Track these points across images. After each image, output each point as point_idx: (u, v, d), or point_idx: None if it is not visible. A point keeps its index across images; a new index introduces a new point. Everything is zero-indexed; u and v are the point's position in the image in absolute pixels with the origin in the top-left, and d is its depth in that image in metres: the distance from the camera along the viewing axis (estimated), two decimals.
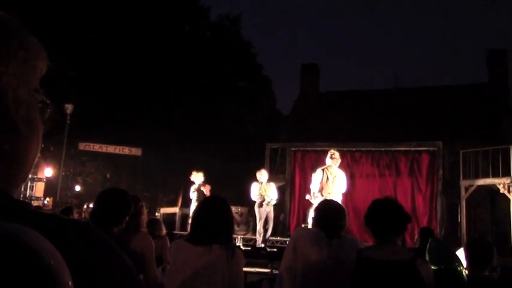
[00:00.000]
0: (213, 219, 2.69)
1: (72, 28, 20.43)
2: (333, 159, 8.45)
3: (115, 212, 2.80)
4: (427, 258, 4.39)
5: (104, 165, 22.68)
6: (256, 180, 9.89)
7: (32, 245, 0.47)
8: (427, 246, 4.64)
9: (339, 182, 8.41)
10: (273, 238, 10.44)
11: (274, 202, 9.76)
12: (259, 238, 10.06)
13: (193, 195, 10.32)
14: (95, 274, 0.57)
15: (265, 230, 9.90)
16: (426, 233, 5.64)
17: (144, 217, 3.59)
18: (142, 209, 3.54)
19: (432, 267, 3.66)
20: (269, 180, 9.99)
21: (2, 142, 0.61)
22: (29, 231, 0.49)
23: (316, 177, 8.54)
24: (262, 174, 9.83)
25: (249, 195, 9.98)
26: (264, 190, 9.67)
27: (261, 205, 9.69)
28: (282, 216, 12.92)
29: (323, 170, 8.45)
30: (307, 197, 8.92)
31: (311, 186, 8.74)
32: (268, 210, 9.69)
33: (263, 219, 9.77)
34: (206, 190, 10.29)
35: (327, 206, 3.30)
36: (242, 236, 11.61)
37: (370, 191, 11.66)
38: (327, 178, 8.38)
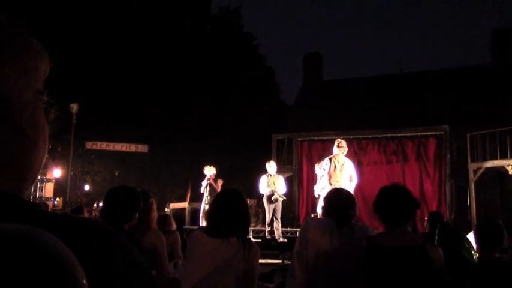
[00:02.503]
0: (230, 212, 2.70)
1: (75, 26, 20.43)
2: (339, 148, 8.42)
3: (125, 209, 2.80)
4: (436, 240, 4.50)
5: (111, 163, 22.66)
6: (264, 172, 9.84)
7: (47, 247, 0.47)
8: (437, 231, 4.70)
9: (346, 170, 8.38)
10: (283, 229, 10.47)
11: (282, 199, 9.70)
12: (268, 229, 10.09)
13: (205, 189, 10.32)
14: (109, 272, 0.57)
15: (275, 222, 9.88)
16: (436, 217, 5.59)
17: (155, 214, 3.59)
18: (153, 206, 3.54)
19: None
20: (277, 171, 9.95)
21: (10, 145, 0.61)
22: (43, 233, 0.49)
23: (320, 171, 8.53)
24: (271, 166, 9.78)
25: (257, 188, 9.96)
26: (272, 183, 9.62)
27: (269, 199, 9.65)
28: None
29: (330, 159, 8.44)
30: (315, 192, 8.94)
31: (315, 187, 8.75)
32: (276, 204, 9.68)
33: (271, 213, 9.79)
34: (218, 184, 10.28)
35: (336, 195, 3.27)
36: (252, 228, 11.56)
37: (378, 178, 11.62)
38: (335, 167, 8.35)
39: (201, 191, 10.55)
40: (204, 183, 10.39)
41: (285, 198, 9.80)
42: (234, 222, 2.68)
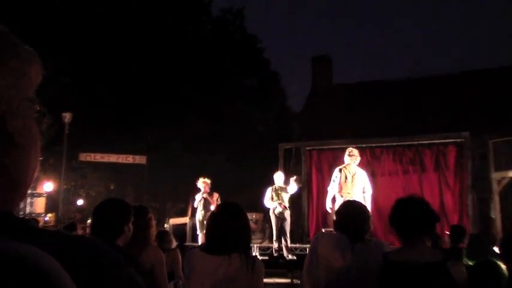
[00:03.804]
0: (230, 227, 2.69)
1: (68, 30, 20.49)
2: (351, 157, 8.39)
3: (114, 222, 2.83)
4: (464, 254, 4.53)
5: (107, 176, 22.46)
6: (271, 184, 9.80)
7: (41, 267, 0.48)
8: (467, 242, 4.67)
9: (359, 181, 8.34)
10: (292, 245, 10.39)
11: (282, 209, 9.64)
12: (276, 246, 10.00)
13: (199, 203, 10.28)
14: None
15: (283, 238, 9.81)
16: (458, 231, 5.57)
17: (153, 230, 3.62)
18: (151, 221, 3.56)
19: (470, 262, 3.86)
20: (285, 182, 9.92)
21: (0, 155, 0.61)
22: (37, 252, 0.50)
23: (330, 186, 8.47)
24: (280, 176, 9.78)
25: (263, 200, 9.93)
26: (277, 195, 9.60)
27: (276, 211, 9.61)
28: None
29: (341, 169, 8.40)
30: (327, 205, 8.86)
31: (326, 201, 8.71)
32: (284, 216, 9.60)
33: (278, 228, 9.73)
34: (214, 198, 10.20)
35: (349, 208, 3.27)
36: (258, 245, 11.53)
37: (393, 190, 11.48)
38: (346, 177, 8.32)
39: (195, 206, 10.51)
40: (198, 197, 10.36)
41: (287, 207, 9.64)
42: (234, 237, 2.67)
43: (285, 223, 9.63)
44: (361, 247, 3.00)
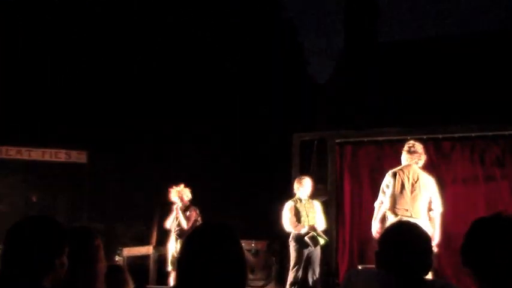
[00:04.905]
0: (212, 261, 2.30)
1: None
2: (412, 155, 7.61)
3: (37, 255, 2.53)
4: None
5: (26, 181, 18.81)
6: (290, 196, 8.92)
7: None
8: None
9: (425, 192, 7.49)
10: None
11: (324, 241, 8.85)
12: None
13: (172, 224, 9.65)
14: None
15: (311, 280, 8.77)
16: None
17: (102, 266, 3.15)
18: (99, 252, 3.12)
19: None
20: (312, 196, 9.07)
21: None
22: None
23: (379, 200, 7.81)
24: (304, 185, 8.80)
25: (280, 221, 8.91)
26: (306, 215, 8.66)
27: (302, 241, 8.51)
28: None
29: (396, 173, 7.53)
30: (374, 230, 7.89)
31: (373, 223, 7.83)
32: (313, 250, 8.62)
33: (302, 264, 8.59)
34: (192, 216, 9.58)
35: (399, 233, 2.90)
36: None
37: (470, 204, 10.13)
38: (402, 186, 7.47)
39: (167, 227, 9.89)
40: (173, 214, 9.78)
41: (327, 239, 8.95)
42: (219, 277, 2.27)
43: (315, 257, 8.69)
44: None
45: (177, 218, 9.56)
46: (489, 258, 2.32)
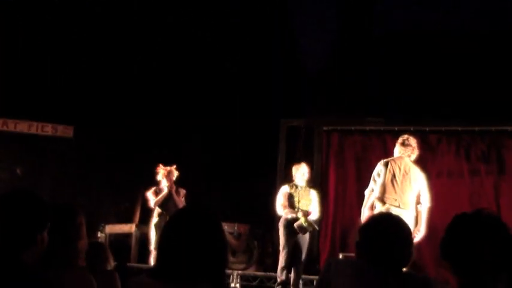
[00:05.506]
0: (192, 244, 2.33)
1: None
2: (405, 148, 7.64)
3: (18, 228, 2.52)
4: None
5: (11, 155, 18.51)
6: (287, 181, 8.86)
7: None
8: None
9: (415, 184, 7.50)
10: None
11: (311, 228, 8.63)
12: (282, 277, 8.67)
13: (168, 205, 9.51)
14: None
15: (294, 266, 8.64)
16: None
17: (83, 243, 3.14)
18: (81, 229, 3.11)
19: None
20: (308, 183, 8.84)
21: None
22: None
23: (369, 188, 7.77)
24: (302, 171, 8.64)
25: (273, 205, 8.84)
26: (298, 201, 8.53)
27: (291, 227, 8.39)
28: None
29: (388, 163, 7.53)
30: (362, 216, 7.86)
31: (363, 210, 7.84)
32: (301, 237, 8.56)
33: (290, 250, 8.52)
34: (180, 196, 9.62)
35: (380, 224, 2.91)
36: (241, 272, 10.39)
37: (454, 199, 10.23)
38: (393, 176, 7.48)
39: (152, 206, 9.74)
40: (152, 194, 9.77)
41: (317, 228, 8.96)
42: (199, 259, 2.30)
43: (303, 243, 8.59)
44: (396, 284, 2.72)
45: (168, 196, 9.59)
46: (467, 253, 2.32)
